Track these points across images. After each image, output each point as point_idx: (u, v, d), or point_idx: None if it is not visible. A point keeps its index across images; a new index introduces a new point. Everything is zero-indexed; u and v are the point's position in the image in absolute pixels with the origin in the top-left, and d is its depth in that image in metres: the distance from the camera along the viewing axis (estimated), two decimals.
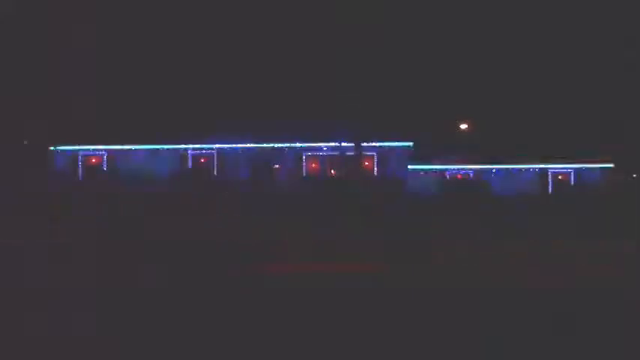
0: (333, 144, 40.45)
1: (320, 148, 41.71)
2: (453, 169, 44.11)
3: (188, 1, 46.47)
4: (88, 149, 42.49)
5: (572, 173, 44.23)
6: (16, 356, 10.93)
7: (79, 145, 42.19)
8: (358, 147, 38.40)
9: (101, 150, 42.37)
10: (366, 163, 41.28)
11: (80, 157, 42.72)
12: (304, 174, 41.74)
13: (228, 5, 46.27)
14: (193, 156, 42.62)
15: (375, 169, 42.20)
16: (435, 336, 12.27)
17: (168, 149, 41.80)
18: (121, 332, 12.42)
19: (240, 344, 11.66)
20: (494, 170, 43.45)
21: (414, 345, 11.72)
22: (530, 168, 43.21)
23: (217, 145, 41.83)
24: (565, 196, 39.38)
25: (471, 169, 44.02)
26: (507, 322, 13.43)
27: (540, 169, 42.96)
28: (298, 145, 41.81)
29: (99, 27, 43.27)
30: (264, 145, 41.38)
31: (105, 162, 42.58)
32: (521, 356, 11.12)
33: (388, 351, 11.31)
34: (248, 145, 41.46)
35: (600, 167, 43.24)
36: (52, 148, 40.85)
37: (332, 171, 41.56)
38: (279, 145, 41.57)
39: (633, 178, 44.86)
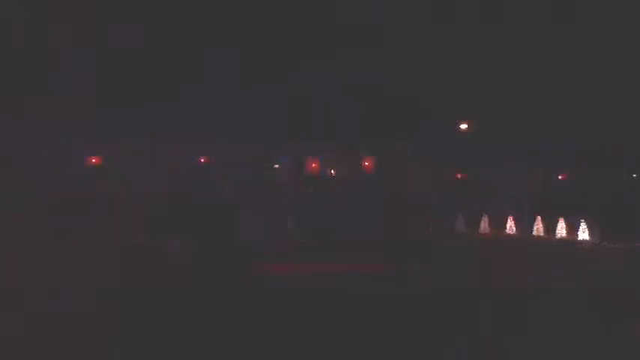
0: (332, 144, 40.41)
1: (320, 149, 41.72)
2: (453, 169, 44.13)
3: (189, 2, 46.47)
4: (88, 149, 42.47)
5: (572, 173, 44.26)
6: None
7: (78, 145, 42.17)
8: (358, 147, 38.38)
9: (101, 150, 42.35)
10: (366, 163, 41.30)
11: (80, 157, 42.69)
12: (304, 174, 41.76)
13: (228, 6, 46.29)
14: (193, 156, 42.60)
15: (375, 169, 42.23)
16: (434, 336, 12.29)
17: (168, 149, 41.75)
18: (120, 331, 12.43)
19: (240, 343, 11.67)
20: (494, 170, 43.44)
21: (413, 345, 11.73)
22: (530, 168, 43.19)
23: (217, 146, 41.84)
24: (565, 195, 39.39)
25: (470, 169, 44.04)
26: (507, 321, 13.45)
27: (540, 169, 42.95)
28: (298, 145, 41.83)
29: (99, 27, 43.27)
30: (264, 145, 41.38)
31: (105, 162, 42.56)
32: (520, 356, 11.14)
33: (388, 351, 11.33)
34: (248, 145, 41.44)
35: (601, 168, 43.24)
36: (52, 148, 40.83)
37: (332, 171, 41.58)
38: (279, 145, 41.57)
39: (633, 178, 44.89)
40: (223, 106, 42.66)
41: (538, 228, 34.25)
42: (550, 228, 33.74)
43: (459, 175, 43.96)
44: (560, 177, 44.81)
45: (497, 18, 47.06)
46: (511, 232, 35.13)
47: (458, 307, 14.93)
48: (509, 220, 35.31)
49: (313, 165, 42.47)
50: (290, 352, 11.28)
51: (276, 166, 41.89)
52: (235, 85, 43.94)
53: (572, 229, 32.42)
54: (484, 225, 36.08)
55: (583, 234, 31.79)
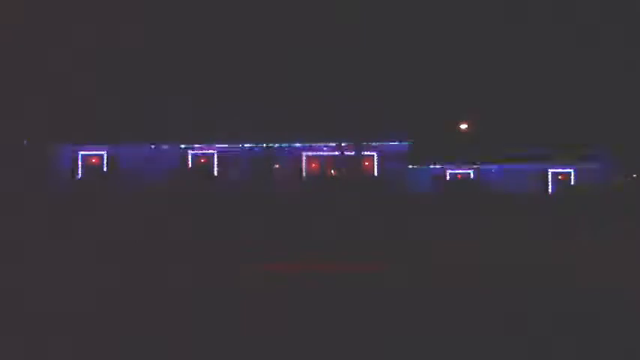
0: (333, 144, 40.33)
1: (320, 148, 41.66)
2: (453, 169, 44.14)
3: (188, 0, 46.51)
4: (88, 149, 42.43)
5: (572, 173, 44.27)
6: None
7: (79, 145, 42.15)
8: (358, 147, 38.37)
9: (101, 150, 42.32)
10: (366, 163, 41.24)
11: (80, 157, 42.67)
12: (304, 174, 41.71)
13: (227, 5, 46.33)
14: (193, 156, 42.58)
15: (375, 169, 42.18)
16: (435, 336, 12.29)
17: (168, 149, 41.74)
18: (119, 331, 12.42)
19: (240, 343, 11.66)
20: (493, 170, 43.44)
21: (414, 345, 11.72)
22: (530, 168, 43.19)
23: (217, 145, 41.80)
24: (565, 195, 39.38)
25: (471, 169, 44.03)
26: (507, 322, 13.44)
27: (540, 168, 42.95)
28: (298, 145, 41.78)
29: (99, 27, 43.29)
30: (264, 145, 41.35)
31: (105, 162, 42.51)
32: (520, 356, 11.13)
33: (388, 351, 11.33)
34: (248, 145, 41.41)
35: (600, 167, 43.26)
36: (52, 148, 40.82)
37: (332, 171, 41.54)
38: (279, 145, 41.54)
39: (633, 178, 44.90)
40: (223, 105, 42.65)
41: None
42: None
43: (459, 176, 43.95)
44: (560, 177, 44.82)
45: (498, 17, 47.09)
46: None
47: (458, 307, 14.93)
48: None
49: (313, 165, 42.44)
50: (290, 352, 11.27)
51: (277, 165, 41.87)
52: (235, 84, 43.96)
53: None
54: None
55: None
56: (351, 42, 43.66)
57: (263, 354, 11.15)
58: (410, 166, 42.62)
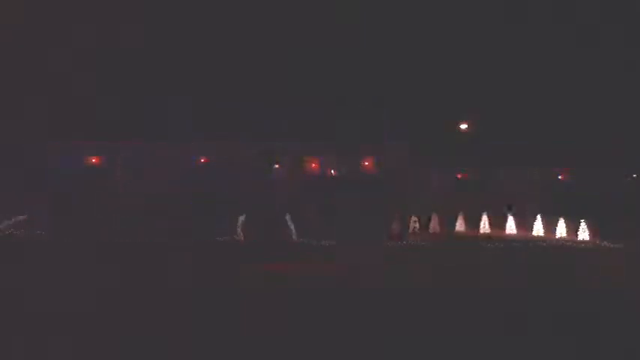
0: (333, 144, 40.32)
1: (320, 148, 41.67)
2: (453, 169, 44.14)
3: (189, 2, 46.50)
4: (88, 149, 42.38)
5: (572, 173, 44.27)
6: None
7: (78, 145, 42.11)
8: (358, 147, 38.32)
9: (101, 149, 42.26)
10: (366, 163, 41.23)
11: (80, 157, 42.61)
12: (304, 174, 41.70)
13: (228, 6, 46.36)
14: (193, 155, 42.57)
15: (375, 169, 42.20)
16: (434, 336, 12.29)
17: (168, 149, 41.70)
18: (120, 331, 12.43)
19: (240, 343, 11.67)
20: (494, 170, 43.44)
21: (413, 344, 11.73)
22: (529, 168, 43.16)
23: (217, 145, 41.78)
24: (565, 196, 39.40)
25: (470, 169, 44.03)
26: (507, 321, 13.45)
27: (540, 169, 42.90)
28: (298, 145, 41.79)
29: (99, 26, 43.26)
30: (264, 145, 41.34)
31: (105, 162, 42.46)
32: (520, 355, 11.14)
33: (388, 350, 11.33)
34: (248, 145, 41.40)
35: (600, 168, 43.27)
36: (51, 147, 40.77)
37: (332, 171, 41.50)
38: (279, 145, 41.54)
39: (633, 178, 44.91)
40: (223, 105, 42.67)
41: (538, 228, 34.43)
42: (551, 228, 33.88)
43: (459, 176, 43.96)
44: (560, 177, 44.83)
45: (498, 17, 47.14)
46: (511, 232, 35.29)
47: (457, 307, 14.93)
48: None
49: (313, 165, 42.43)
50: (290, 352, 11.27)
51: (276, 165, 41.86)
52: (235, 84, 43.98)
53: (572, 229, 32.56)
54: (484, 225, 36.07)
55: (583, 234, 31.88)
56: (352, 43, 43.72)
57: (263, 354, 11.15)
58: (410, 166, 42.57)
